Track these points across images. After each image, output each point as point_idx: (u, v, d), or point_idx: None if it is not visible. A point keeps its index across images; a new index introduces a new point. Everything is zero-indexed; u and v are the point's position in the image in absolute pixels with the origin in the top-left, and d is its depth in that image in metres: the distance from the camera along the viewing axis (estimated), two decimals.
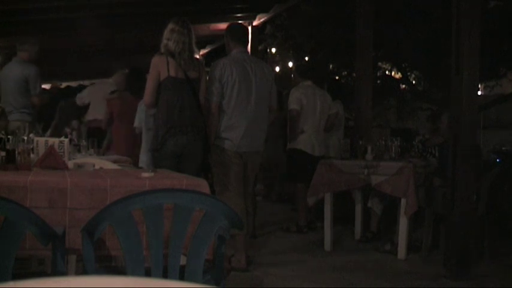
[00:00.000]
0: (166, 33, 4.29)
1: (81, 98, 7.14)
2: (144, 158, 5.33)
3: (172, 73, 4.24)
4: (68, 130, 6.34)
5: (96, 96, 6.73)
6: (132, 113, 5.84)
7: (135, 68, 6.40)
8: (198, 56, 4.55)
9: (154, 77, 4.26)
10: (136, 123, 5.77)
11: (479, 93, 9.99)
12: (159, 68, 4.24)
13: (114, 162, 3.86)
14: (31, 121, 5.80)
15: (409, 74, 11.40)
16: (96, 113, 6.56)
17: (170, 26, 4.30)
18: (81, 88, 8.34)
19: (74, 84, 13.29)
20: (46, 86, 11.86)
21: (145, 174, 2.80)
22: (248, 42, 5.15)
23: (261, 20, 9.20)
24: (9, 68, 5.97)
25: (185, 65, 4.26)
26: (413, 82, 11.59)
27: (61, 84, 9.78)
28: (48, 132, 6.76)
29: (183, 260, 2.27)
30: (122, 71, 6.29)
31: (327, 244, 5.56)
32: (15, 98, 5.84)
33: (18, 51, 6.00)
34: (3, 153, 2.93)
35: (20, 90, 5.84)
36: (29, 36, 6.13)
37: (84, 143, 4.81)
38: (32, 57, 5.97)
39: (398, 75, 11.69)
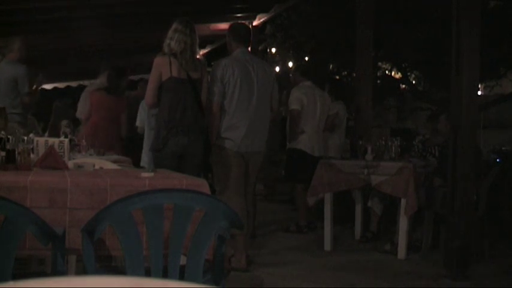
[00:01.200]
0: (169, 32, 4.31)
1: (80, 111, 7.04)
2: (145, 158, 5.35)
3: (174, 73, 4.24)
4: (67, 130, 6.33)
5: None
6: (105, 109, 5.87)
7: (115, 67, 6.40)
8: (199, 56, 4.55)
9: (156, 77, 4.26)
10: (138, 123, 5.77)
11: (479, 93, 9.98)
12: (161, 68, 4.25)
13: (114, 162, 3.86)
14: (20, 121, 5.79)
15: (409, 74, 11.40)
16: None
17: (174, 25, 4.32)
18: (81, 88, 8.33)
19: (74, 84, 13.31)
20: (48, 86, 11.88)
21: (145, 174, 2.80)
22: (250, 42, 5.15)
23: (261, 20, 9.19)
24: (0, 70, 5.98)
25: (187, 65, 4.26)
26: (413, 82, 11.59)
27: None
28: (47, 133, 6.75)
29: (183, 260, 2.27)
30: (105, 72, 6.30)
31: (327, 244, 5.56)
32: (4, 100, 5.84)
33: (6, 53, 6.00)
34: (3, 153, 2.93)
35: (7, 91, 5.85)
36: (13, 37, 6.12)
37: (84, 143, 4.81)
38: (20, 56, 5.97)
39: (398, 75, 11.69)
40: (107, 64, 6.72)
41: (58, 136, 4.77)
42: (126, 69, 6.39)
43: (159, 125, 4.33)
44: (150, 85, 4.31)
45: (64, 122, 6.64)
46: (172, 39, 4.27)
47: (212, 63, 4.90)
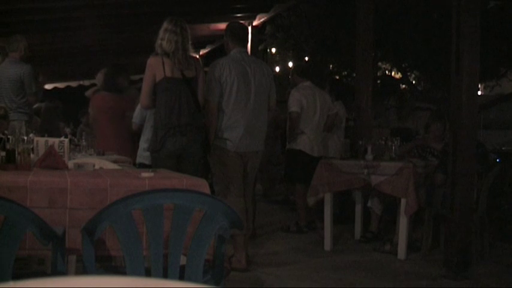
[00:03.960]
0: (160, 32, 4.30)
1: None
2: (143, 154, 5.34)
3: (168, 73, 4.23)
4: (68, 130, 6.34)
5: None
6: (108, 109, 5.83)
7: (114, 64, 6.36)
8: (196, 55, 4.55)
9: (149, 78, 4.26)
10: (134, 119, 5.73)
11: (479, 93, 9.99)
12: (155, 69, 4.24)
13: (114, 162, 3.86)
14: (28, 120, 5.80)
15: (409, 74, 11.41)
16: None
17: (164, 25, 4.31)
18: (81, 88, 8.33)
19: (74, 84, 13.31)
20: (48, 87, 11.89)
21: (145, 174, 2.80)
22: (248, 41, 5.14)
23: (261, 20, 9.19)
24: (3, 69, 5.96)
25: (180, 64, 4.25)
26: (413, 82, 11.60)
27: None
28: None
29: (183, 260, 2.27)
30: (103, 70, 6.28)
31: (327, 244, 5.56)
32: (11, 99, 5.84)
33: (9, 52, 5.99)
34: (3, 153, 2.93)
35: (14, 90, 5.84)
36: (16, 35, 6.13)
37: (84, 143, 4.82)
38: (23, 55, 5.97)
39: (398, 75, 11.70)
40: (105, 64, 6.71)
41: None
42: (124, 67, 6.36)
43: (156, 126, 4.32)
44: (144, 86, 4.31)
45: (61, 125, 6.65)
46: (164, 40, 4.26)
47: (210, 63, 4.88)
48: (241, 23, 5.58)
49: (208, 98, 4.53)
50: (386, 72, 11.78)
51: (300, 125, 6.30)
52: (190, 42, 4.35)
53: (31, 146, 3.07)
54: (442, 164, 5.18)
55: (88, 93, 6.44)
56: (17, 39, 6.01)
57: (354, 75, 8.53)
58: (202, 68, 4.53)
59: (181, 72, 4.26)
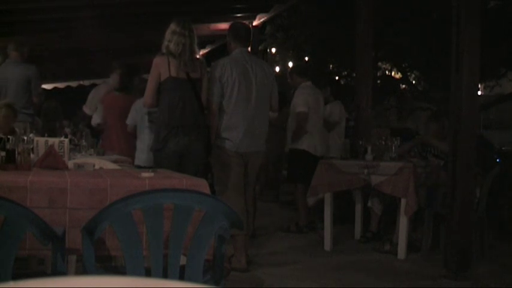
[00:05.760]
0: (167, 34, 4.29)
1: (87, 107, 6.96)
2: (142, 156, 5.32)
3: (173, 73, 4.23)
4: (67, 130, 6.34)
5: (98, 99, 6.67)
6: (118, 109, 5.83)
7: (126, 65, 6.34)
8: (198, 56, 4.54)
9: (154, 77, 4.26)
10: (128, 121, 5.72)
11: (479, 93, 9.99)
12: (160, 68, 4.24)
13: (114, 162, 3.86)
14: (31, 121, 5.79)
15: (409, 74, 11.43)
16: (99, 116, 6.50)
17: (172, 27, 4.30)
18: (81, 88, 8.32)
19: (74, 84, 13.31)
20: (48, 87, 11.89)
21: (145, 174, 2.80)
22: (250, 42, 5.13)
23: (261, 20, 9.20)
24: (6, 70, 5.92)
25: (185, 66, 4.26)
26: (413, 82, 11.61)
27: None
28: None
29: (183, 260, 2.27)
30: (117, 70, 6.26)
31: (327, 244, 5.56)
32: (17, 100, 5.83)
33: (11, 52, 5.97)
34: (3, 153, 2.93)
35: (19, 91, 5.82)
36: (21, 38, 6.13)
37: (84, 143, 4.81)
38: (24, 57, 5.96)
39: (398, 75, 11.72)
40: (119, 63, 6.67)
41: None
42: (139, 68, 6.37)
43: (159, 125, 4.33)
44: (149, 85, 4.31)
45: (65, 123, 6.63)
46: (171, 41, 4.25)
47: (212, 63, 4.88)
48: (244, 23, 5.57)
49: (209, 98, 4.53)
50: (386, 72, 11.80)
51: (306, 125, 6.27)
52: (196, 43, 4.36)
53: (31, 146, 3.07)
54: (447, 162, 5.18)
55: (100, 87, 6.44)
56: (22, 41, 6.01)
57: (354, 75, 8.54)
58: (206, 69, 4.53)
59: (187, 73, 4.26)
